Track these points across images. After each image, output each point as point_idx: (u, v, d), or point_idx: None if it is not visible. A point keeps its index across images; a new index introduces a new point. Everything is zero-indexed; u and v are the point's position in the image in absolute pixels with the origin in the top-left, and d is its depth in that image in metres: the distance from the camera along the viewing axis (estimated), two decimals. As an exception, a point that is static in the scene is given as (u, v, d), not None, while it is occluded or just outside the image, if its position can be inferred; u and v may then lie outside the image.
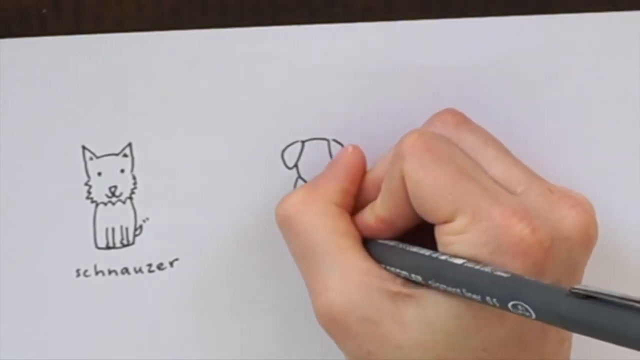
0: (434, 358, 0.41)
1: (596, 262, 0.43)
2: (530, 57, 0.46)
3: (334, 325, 0.42)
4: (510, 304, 0.37)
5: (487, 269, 0.38)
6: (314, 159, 0.46)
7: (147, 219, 0.46)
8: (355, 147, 0.45)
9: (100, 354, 0.47)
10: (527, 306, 0.36)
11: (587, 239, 0.41)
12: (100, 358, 0.47)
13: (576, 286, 0.35)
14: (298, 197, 0.44)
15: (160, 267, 0.46)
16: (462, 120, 0.44)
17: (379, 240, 0.44)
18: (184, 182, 0.46)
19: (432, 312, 0.41)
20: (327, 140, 0.47)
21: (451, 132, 0.43)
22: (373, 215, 0.43)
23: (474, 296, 0.38)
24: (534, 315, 0.36)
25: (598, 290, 0.34)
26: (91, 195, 0.45)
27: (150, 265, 0.46)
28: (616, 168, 0.47)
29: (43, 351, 0.46)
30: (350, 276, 0.42)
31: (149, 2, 0.43)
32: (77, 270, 0.46)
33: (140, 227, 0.46)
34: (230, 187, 0.46)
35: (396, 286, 0.42)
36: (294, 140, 0.46)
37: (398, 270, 0.42)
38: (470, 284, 0.39)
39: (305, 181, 0.46)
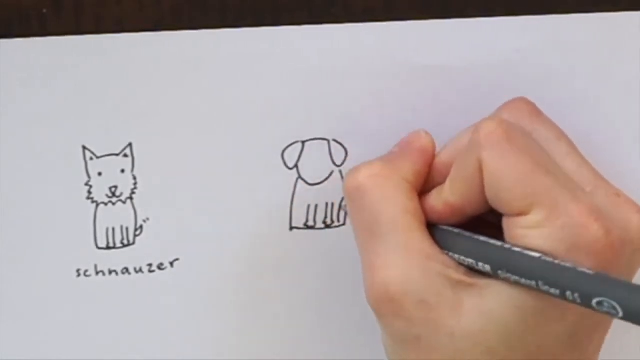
0: (485, 350, 0.40)
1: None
2: (530, 57, 0.46)
3: (388, 303, 0.41)
4: (595, 301, 0.37)
5: (569, 264, 0.38)
6: (314, 159, 0.46)
7: (148, 219, 0.46)
8: (427, 133, 0.45)
9: (101, 354, 0.47)
10: (614, 303, 0.36)
11: None
12: (101, 358, 0.47)
13: None
14: (374, 169, 0.43)
15: (160, 267, 0.46)
16: (535, 110, 0.44)
17: (442, 226, 0.43)
18: (184, 182, 0.46)
19: (492, 302, 0.40)
20: (327, 140, 0.47)
21: (525, 122, 0.43)
22: (441, 200, 0.43)
23: (552, 290, 0.38)
24: (621, 314, 0.36)
25: None
26: (91, 196, 0.45)
27: (150, 265, 0.46)
28: (616, 168, 0.47)
29: (43, 351, 0.46)
30: (414, 257, 0.41)
31: (149, 2, 0.43)
32: (78, 270, 0.46)
33: (141, 227, 0.46)
34: (230, 187, 0.46)
35: (458, 274, 0.41)
36: (294, 140, 0.46)
37: (462, 258, 0.42)
38: (549, 277, 0.38)
39: (305, 181, 0.46)
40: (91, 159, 0.44)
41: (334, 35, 0.45)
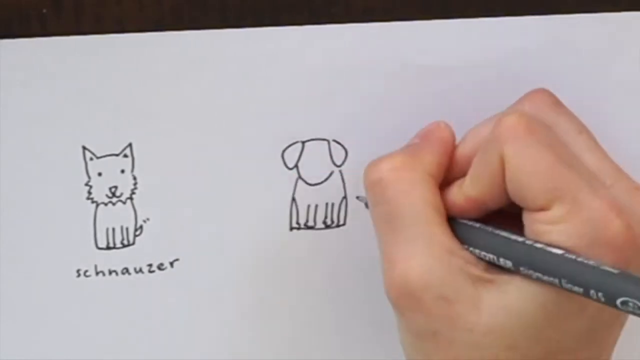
0: (505, 346, 0.40)
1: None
2: (530, 57, 0.46)
3: (407, 297, 0.41)
4: (619, 300, 0.37)
5: (592, 262, 0.38)
6: (314, 159, 0.46)
7: (148, 219, 0.46)
8: (447, 123, 0.44)
9: (101, 354, 0.47)
10: None
11: None
12: (101, 358, 0.47)
13: None
14: (396, 162, 0.43)
15: (160, 267, 0.46)
16: (557, 103, 0.43)
17: (463, 220, 0.43)
18: (184, 182, 0.46)
19: (513, 298, 0.40)
20: (327, 140, 0.47)
21: (547, 114, 0.43)
22: (462, 194, 0.42)
23: (575, 288, 0.38)
24: None
25: None
26: (91, 196, 0.45)
27: (150, 265, 0.46)
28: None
29: (43, 351, 0.46)
30: (436, 251, 0.41)
31: (149, 2, 0.43)
32: (78, 271, 0.46)
33: (141, 227, 0.46)
34: (230, 187, 0.46)
35: (479, 270, 0.41)
36: (294, 140, 0.46)
37: (483, 253, 0.41)
38: (572, 275, 0.38)
39: (305, 181, 0.46)
40: (91, 159, 0.44)
41: (334, 35, 0.45)
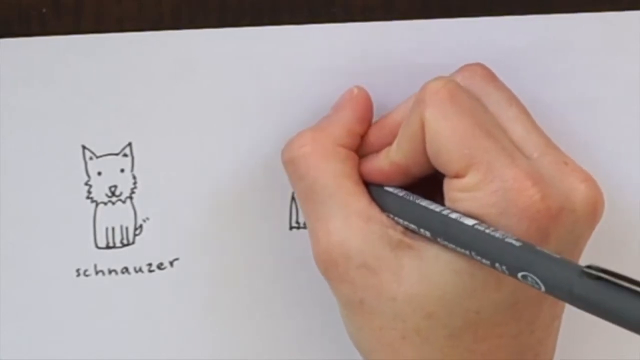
0: (425, 314, 0.41)
1: (595, 253, 0.43)
2: (530, 57, 0.46)
3: (332, 268, 0.42)
4: (520, 274, 0.37)
5: (498, 234, 0.38)
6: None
7: (147, 218, 0.46)
8: (360, 88, 0.45)
9: (100, 354, 0.47)
10: (537, 279, 0.36)
11: (593, 214, 0.41)
12: (101, 358, 0.47)
13: (590, 265, 0.35)
14: (304, 139, 0.43)
15: (160, 266, 0.46)
16: (489, 75, 0.43)
17: (388, 187, 0.43)
18: (184, 182, 0.46)
19: (430, 265, 0.41)
20: (327, 140, 0.47)
21: (478, 85, 0.43)
22: (388, 160, 0.43)
23: (484, 260, 0.38)
24: (543, 289, 0.36)
25: (611, 271, 0.34)
26: (91, 195, 0.45)
27: (150, 265, 0.46)
28: (616, 168, 0.47)
29: (43, 351, 0.46)
30: (353, 221, 0.42)
31: (149, 2, 0.43)
32: (77, 270, 0.46)
33: (141, 226, 0.46)
34: (230, 187, 0.46)
35: (397, 234, 0.41)
36: (294, 140, 0.46)
37: (406, 223, 0.42)
38: (480, 247, 0.38)
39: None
40: (91, 158, 0.44)
41: (334, 35, 0.45)
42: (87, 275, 0.46)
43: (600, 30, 0.46)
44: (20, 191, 0.44)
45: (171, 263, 0.46)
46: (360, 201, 0.42)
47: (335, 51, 0.45)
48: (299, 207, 0.45)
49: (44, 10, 0.43)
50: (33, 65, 0.43)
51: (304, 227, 0.47)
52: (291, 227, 0.47)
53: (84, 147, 0.44)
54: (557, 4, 0.46)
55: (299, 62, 0.45)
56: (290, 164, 0.43)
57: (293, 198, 0.47)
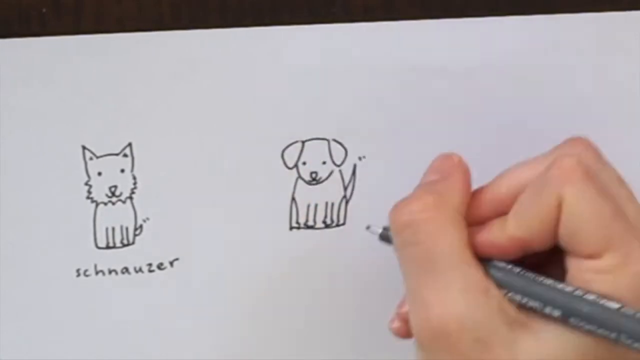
0: None
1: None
2: (530, 57, 0.46)
3: (442, 340, 0.40)
4: None
5: None
6: (314, 159, 0.46)
7: (147, 218, 0.46)
8: (459, 156, 0.43)
9: (100, 354, 0.47)
10: None
11: None
12: (100, 358, 0.47)
13: None
14: (427, 202, 0.41)
15: (160, 267, 0.46)
16: (599, 152, 0.42)
17: (498, 261, 0.41)
18: (184, 182, 0.46)
19: (551, 347, 0.39)
20: (327, 140, 0.47)
21: (591, 161, 0.41)
22: (505, 234, 0.41)
23: (635, 344, 0.37)
24: None
25: None
26: (91, 195, 0.45)
27: (150, 265, 0.46)
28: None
29: (43, 351, 0.46)
30: (472, 294, 0.40)
31: (149, 2, 0.43)
32: (77, 270, 0.46)
33: (141, 226, 0.46)
34: (230, 187, 0.46)
35: (512, 310, 0.40)
36: (294, 140, 0.46)
37: (525, 299, 0.40)
38: (632, 331, 0.38)
39: (305, 181, 0.46)
40: (91, 158, 0.45)
41: (334, 35, 0.45)
42: (87, 276, 0.46)
43: (600, 30, 0.46)
44: (20, 191, 0.44)
45: (171, 263, 0.46)
46: (479, 273, 0.40)
47: (335, 51, 0.45)
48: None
49: (44, 10, 0.43)
50: (33, 65, 0.43)
51: (304, 227, 0.47)
52: (291, 227, 0.47)
53: (84, 148, 0.44)
54: (557, 4, 0.46)
55: (300, 62, 0.45)
56: (407, 227, 0.41)
57: (293, 198, 0.47)
